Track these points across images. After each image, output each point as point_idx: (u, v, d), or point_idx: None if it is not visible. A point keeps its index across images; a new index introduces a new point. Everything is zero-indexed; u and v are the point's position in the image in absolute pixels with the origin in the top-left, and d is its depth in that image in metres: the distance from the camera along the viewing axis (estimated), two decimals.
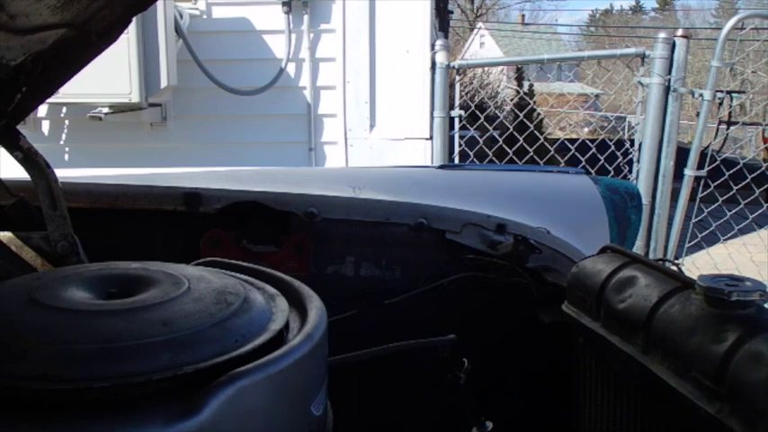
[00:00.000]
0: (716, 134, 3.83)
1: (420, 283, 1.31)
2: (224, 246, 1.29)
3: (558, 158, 4.61)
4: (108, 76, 3.33)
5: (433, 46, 3.86)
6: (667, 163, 3.43)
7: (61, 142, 4.07)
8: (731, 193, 3.61)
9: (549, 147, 4.42)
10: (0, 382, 0.58)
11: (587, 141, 3.87)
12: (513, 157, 4.09)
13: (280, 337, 0.70)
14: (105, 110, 3.63)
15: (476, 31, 27.17)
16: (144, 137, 4.02)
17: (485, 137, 4.13)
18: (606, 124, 9.70)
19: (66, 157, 4.08)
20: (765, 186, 3.93)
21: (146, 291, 0.73)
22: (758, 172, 3.67)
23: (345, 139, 4.04)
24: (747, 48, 4.13)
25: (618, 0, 60.09)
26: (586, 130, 11.86)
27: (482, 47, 27.02)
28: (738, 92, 3.99)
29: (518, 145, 3.97)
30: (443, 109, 3.78)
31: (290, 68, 4.00)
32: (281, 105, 4.03)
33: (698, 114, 3.52)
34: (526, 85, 8.99)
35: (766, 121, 5.98)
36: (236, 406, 0.59)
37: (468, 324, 1.18)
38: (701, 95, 3.33)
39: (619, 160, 3.69)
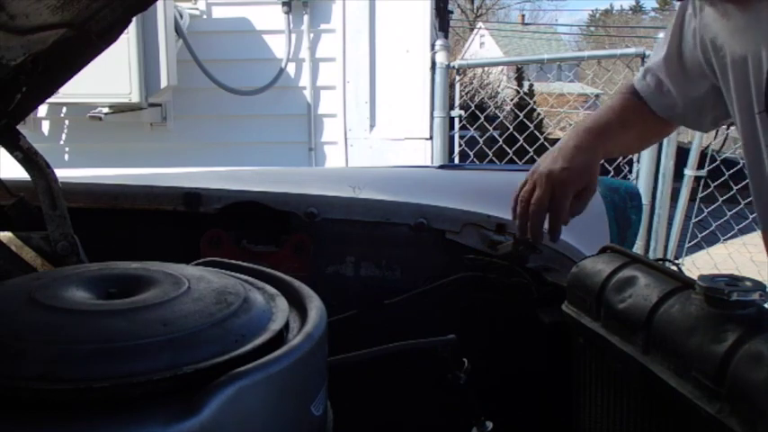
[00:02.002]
0: (716, 134, 3.83)
1: (420, 283, 1.31)
2: (224, 246, 1.29)
3: None
4: (108, 76, 3.33)
5: (433, 46, 3.86)
6: (667, 163, 3.43)
7: (61, 142, 4.08)
8: (731, 193, 3.61)
9: (549, 147, 4.41)
10: (0, 382, 0.58)
11: None
12: (513, 157, 4.09)
13: (280, 337, 0.70)
14: (105, 110, 3.63)
15: (476, 31, 27.17)
16: (144, 137, 4.03)
17: (485, 137, 4.13)
18: None
19: (66, 157, 4.09)
20: None
21: (146, 291, 0.73)
22: None
23: (345, 139, 4.04)
24: None
25: (618, 0, 60.14)
26: None
27: (482, 47, 27.02)
28: None
29: (518, 145, 3.97)
30: (443, 109, 3.78)
31: (290, 68, 4.01)
32: (281, 105, 4.03)
33: None
34: (526, 85, 9.00)
35: None
36: (236, 406, 0.59)
37: (468, 324, 1.18)
38: None
39: (619, 160, 3.69)
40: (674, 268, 0.95)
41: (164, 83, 3.53)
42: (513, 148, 4.01)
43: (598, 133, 1.21)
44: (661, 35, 3.49)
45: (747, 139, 1.09)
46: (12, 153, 1.06)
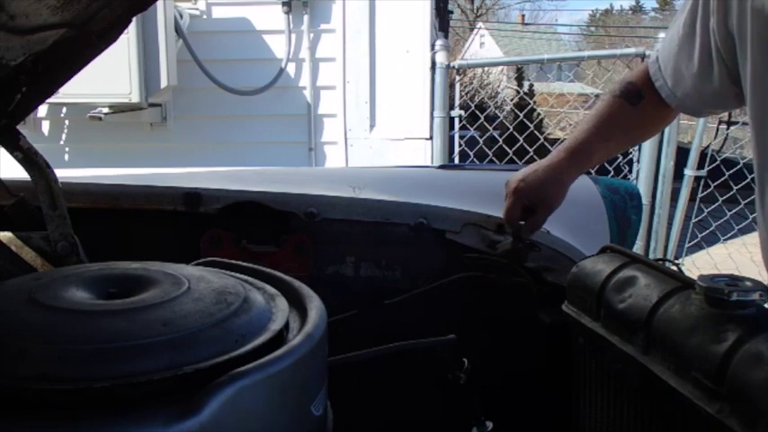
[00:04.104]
0: (716, 134, 3.83)
1: (420, 283, 1.31)
2: (224, 246, 1.30)
3: None
4: (108, 76, 3.33)
5: (433, 46, 3.86)
6: (667, 163, 3.43)
7: (61, 142, 4.07)
8: (731, 193, 3.61)
9: (549, 147, 4.43)
10: (0, 382, 0.58)
11: None
12: (513, 157, 4.09)
13: (280, 337, 0.70)
14: (105, 110, 3.63)
15: (476, 31, 27.16)
16: (144, 137, 4.02)
17: (485, 137, 4.12)
18: None
19: (66, 157, 4.08)
20: None
21: (146, 291, 0.73)
22: None
23: (345, 139, 4.04)
24: None
25: (618, 0, 60.15)
26: None
27: (482, 47, 27.01)
28: None
29: (518, 145, 3.97)
30: (443, 109, 3.78)
31: (290, 68, 4.00)
32: (281, 105, 4.03)
33: None
34: (526, 85, 8.99)
35: None
36: (236, 406, 0.59)
37: (468, 324, 1.18)
38: None
39: (619, 160, 3.68)
40: (674, 268, 0.95)
41: (164, 83, 3.53)
42: (513, 148, 4.01)
43: (574, 153, 1.25)
44: (661, 35, 3.48)
45: (756, 111, 1.02)
46: (12, 153, 1.06)
